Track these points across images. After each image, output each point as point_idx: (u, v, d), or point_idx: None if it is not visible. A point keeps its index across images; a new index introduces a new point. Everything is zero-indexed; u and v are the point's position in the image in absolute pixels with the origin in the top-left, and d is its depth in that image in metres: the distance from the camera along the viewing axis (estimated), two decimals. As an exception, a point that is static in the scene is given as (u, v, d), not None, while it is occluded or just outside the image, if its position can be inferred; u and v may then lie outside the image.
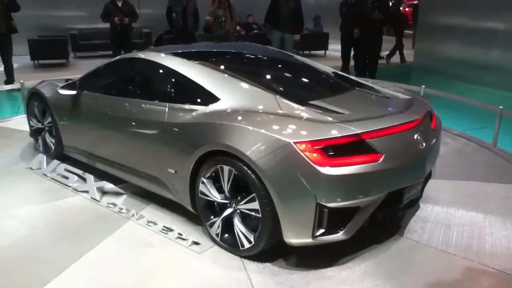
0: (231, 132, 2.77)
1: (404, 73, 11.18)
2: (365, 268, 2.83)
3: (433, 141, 3.15)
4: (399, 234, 3.22)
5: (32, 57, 11.15)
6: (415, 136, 2.91)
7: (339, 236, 2.68)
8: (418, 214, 3.48)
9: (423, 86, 5.78)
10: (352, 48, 9.12)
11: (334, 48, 12.97)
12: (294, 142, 2.55)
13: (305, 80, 3.70)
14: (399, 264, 2.89)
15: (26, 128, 5.62)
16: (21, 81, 6.21)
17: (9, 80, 8.11)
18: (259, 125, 2.73)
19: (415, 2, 16.94)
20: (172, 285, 2.69)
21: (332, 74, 3.85)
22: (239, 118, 2.85)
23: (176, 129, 3.15)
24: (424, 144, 2.95)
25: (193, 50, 4.18)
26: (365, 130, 2.65)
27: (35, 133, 4.80)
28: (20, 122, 6.02)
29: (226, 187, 2.87)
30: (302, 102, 2.96)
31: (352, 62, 9.24)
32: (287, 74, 3.79)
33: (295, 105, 2.89)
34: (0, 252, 3.02)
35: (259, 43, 5.10)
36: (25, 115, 6.28)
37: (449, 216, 3.47)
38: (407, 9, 19.01)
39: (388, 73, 9.17)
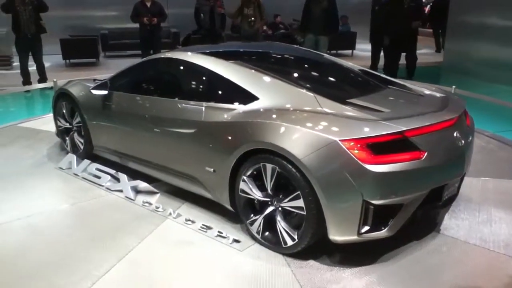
0: (275, 131, 2.80)
1: (434, 73, 10.97)
2: (405, 264, 2.87)
3: (470, 138, 3.17)
4: (435, 231, 3.25)
5: (63, 56, 11.39)
6: (455, 134, 2.94)
7: (383, 233, 2.72)
8: (453, 211, 3.50)
9: (454, 87, 5.70)
10: (382, 48, 8.95)
11: (362, 47, 12.99)
12: (340, 140, 2.58)
13: (339, 79, 3.72)
14: (440, 260, 2.91)
15: (49, 127, 5.69)
16: (54, 80, 6.35)
17: (42, 78, 8.32)
18: (302, 123, 2.76)
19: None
20: (219, 281, 2.72)
21: (364, 73, 3.87)
22: (281, 116, 2.89)
23: (214, 128, 3.19)
24: (463, 141, 2.98)
25: (225, 50, 4.22)
26: (408, 128, 2.68)
27: (62, 133, 4.83)
28: (43, 122, 6.08)
29: (269, 185, 2.90)
30: (341, 100, 2.99)
31: (381, 62, 9.06)
32: (321, 73, 3.81)
33: (335, 104, 2.92)
34: (42, 250, 3.06)
35: (286, 43, 5.11)
36: (48, 115, 6.39)
37: (483, 213, 3.50)
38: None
39: (417, 73, 9.04)
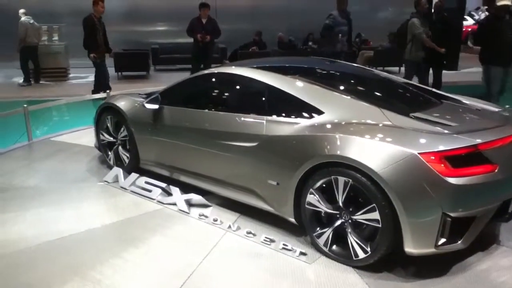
0: (348, 144, 2.84)
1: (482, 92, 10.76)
2: (476, 276, 2.88)
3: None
4: (496, 243, 3.28)
5: (116, 69, 11.80)
6: (520, 147, 2.99)
7: (459, 245, 2.75)
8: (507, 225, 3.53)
9: (507, 106, 5.36)
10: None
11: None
12: (419, 153, 2.63)
13: (397, 93, 3.77)
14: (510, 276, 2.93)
15: (83, 141, 5.73)
16: (107, 91, 6.87)
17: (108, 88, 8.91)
18: (377, 137, 2.80)
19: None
20: (295, 294, 2.74)
21: (418, 88, 3.93)
22: (352, 130, 2.93)
23: (278, 142, 3.23)
24: (527, 155, 3.03)
25: (280, 65, 4.23)
26: (482, 141, 2.73)
27: (104, 147, 4.85)
28: (76, 136, 6.10)
29: (340, 198, 2.93)
30: (405, 114, 3.04)
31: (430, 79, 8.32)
32: (378, 88, 3.84)
33: (403, 117, 2.97)
34: (111, 262, 3.06)
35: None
36: (80, 129, 6.42)
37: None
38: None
39: (466, 92, 8.73)
